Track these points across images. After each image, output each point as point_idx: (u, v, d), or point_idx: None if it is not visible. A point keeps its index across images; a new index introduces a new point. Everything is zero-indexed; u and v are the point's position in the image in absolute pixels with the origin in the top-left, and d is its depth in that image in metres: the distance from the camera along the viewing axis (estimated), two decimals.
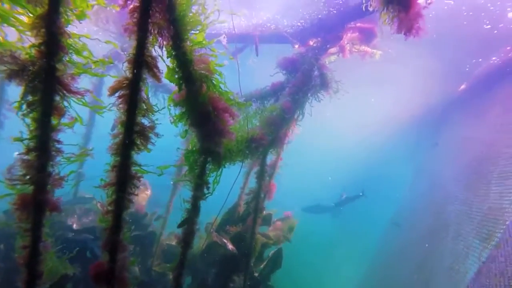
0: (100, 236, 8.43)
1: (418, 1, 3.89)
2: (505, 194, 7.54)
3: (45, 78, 2.79)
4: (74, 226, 9.10)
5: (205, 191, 4.50)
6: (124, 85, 2.85)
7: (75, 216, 9.96)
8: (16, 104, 2.90)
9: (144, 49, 2.88)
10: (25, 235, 2.94)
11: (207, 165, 4.25)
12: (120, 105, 2.95)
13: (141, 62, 2.88)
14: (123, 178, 3.16)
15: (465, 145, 12.67)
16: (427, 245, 11.29)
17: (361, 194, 22.22)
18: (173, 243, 9.31)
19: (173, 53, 3.19)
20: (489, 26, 12.82)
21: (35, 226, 2.98)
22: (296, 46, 10.11)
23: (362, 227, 27.64)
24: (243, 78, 6.03)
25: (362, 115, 28.05)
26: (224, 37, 6.79)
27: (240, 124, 5.47)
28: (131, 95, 2.93)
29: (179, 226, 4.57)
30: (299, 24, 9.17)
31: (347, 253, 22.85)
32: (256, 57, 9.62)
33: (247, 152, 5.40)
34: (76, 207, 10.30)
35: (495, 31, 12.99)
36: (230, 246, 7.79)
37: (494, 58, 14.34)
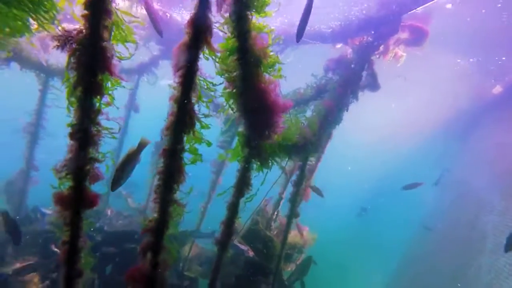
0: (126, 240, 8.05)
1: None
2: None
3: (89, 49, 2.45)
4: (105, 227, 8.90)
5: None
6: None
7: (106, 217, 9.78)
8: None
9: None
10: (65, 230, 2.58)
11: (251, 163, 3.78)
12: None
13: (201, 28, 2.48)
14: (172, 167, 2.75)
15: (499, 151, 11.77)
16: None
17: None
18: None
19: (233, 23, 2.73)
20: None
21: (75, 220, 2.61)
22: (338, 45, 9.54)
23: (388, 232, 26.45)
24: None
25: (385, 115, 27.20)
26: None
27: (289, 122, 5.01)
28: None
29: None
30: (340, 23, 8.61)
31: (371, 257, 21.87)
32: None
33: (292, 152, 4.93)
34: (108, 209, 10.12)
35: None
36: (243, 247, 7.45)
37: None
